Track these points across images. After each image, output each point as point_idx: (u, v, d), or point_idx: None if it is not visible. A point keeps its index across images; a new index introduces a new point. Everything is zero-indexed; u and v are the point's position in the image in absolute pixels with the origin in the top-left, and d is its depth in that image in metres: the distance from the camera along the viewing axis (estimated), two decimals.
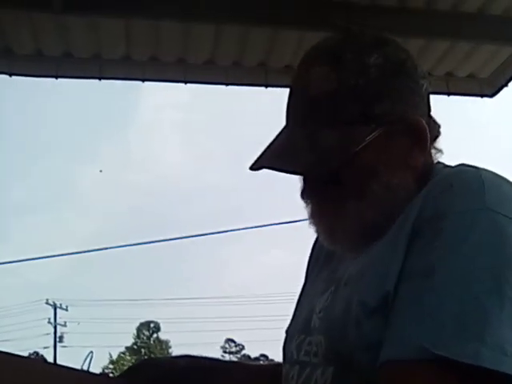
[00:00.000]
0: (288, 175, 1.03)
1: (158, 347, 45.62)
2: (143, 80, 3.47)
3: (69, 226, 66.81)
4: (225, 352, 48.05)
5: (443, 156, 1.11)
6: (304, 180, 1.07)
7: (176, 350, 43.20)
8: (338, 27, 1.11)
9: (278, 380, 1.14)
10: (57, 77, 3.37)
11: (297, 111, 1.07)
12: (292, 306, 1.24)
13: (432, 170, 1.06)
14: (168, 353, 42.15)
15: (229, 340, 49.66)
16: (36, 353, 37.43)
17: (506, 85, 3.66)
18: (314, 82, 1.04)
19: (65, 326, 39.53)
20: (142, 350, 44.98)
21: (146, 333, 47.54)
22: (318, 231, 1.10)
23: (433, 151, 1.09)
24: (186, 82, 3.49)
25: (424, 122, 1.04)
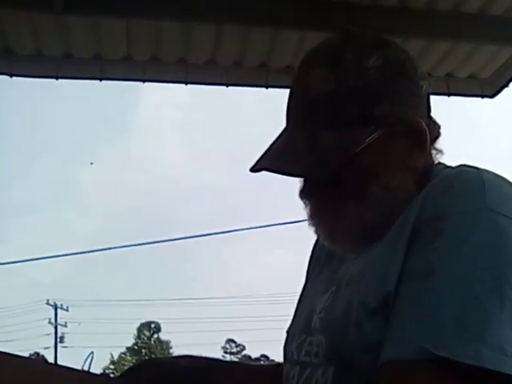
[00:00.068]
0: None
1: (159, 347, 45.64)
2: (144, 80, 3.48)
3: (69, 226, 66.87)
4: (225, 352, 48.04)
5: (444, 156, 1.11)
6: (304, 181, 1.08)
7: (177, 351, 43.22)
8: (339, 28, 1.11)
9: (278, 380, 1.14)
10: (57, 77, 3.37)
11: (297, 113, 1.08)
12: (293, 307, 1.24)
13: (432, 171, 1.06)
14: (169, 353, 42.13)
15: (229, 340, 49.68)
16: (37, 353, 37.43)
17: (506, 85, 3.66)
18: (313, 84, 1.04)
19: (65, 326, 39.54)
20: (143, 351, 45.01)
21: (147, 333, 47.57)
22: (317, 232, 1.10)
23: (433, 152, 1.09)
24: (186, 83, 3.49)
25: (424, 123, 1.05)
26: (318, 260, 1.25)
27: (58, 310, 39.00)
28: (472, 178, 0.94)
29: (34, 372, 1.24)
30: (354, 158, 1.01)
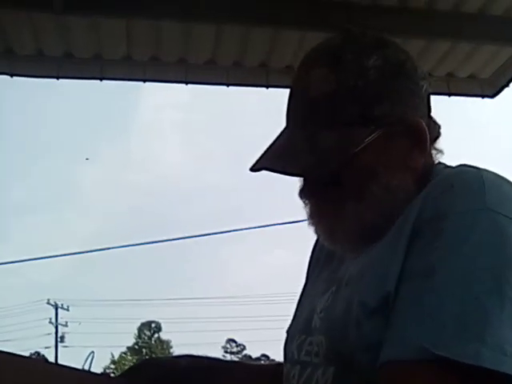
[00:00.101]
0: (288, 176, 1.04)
1: (160, 347, 45.63)
2: (144, 80, 3.48)
3: (69, 225, 66.86)
4: (226, 352, 48.04)
5: (444, 156, 1.11)
6: (304, 180, 1.08)
7: (177, 350, 43.25)
8: (339, 28, 1.11)
9: (279, 380, 1.14)
10: (58, 77, 3.37)
11: (297, 113, 1.08)
12: (293, 307, 1.24)
13: (432, 171, 1.06)
14: (169, 353, 42.13)
15: (230, 340, 49.67)
16: (37, 353, 37.42)
17: (507, 85, 3.66)
18: (313, 84, 1.04)
19: (66, 326, 39.53)
20: (144, 350, 44.99)
21: (148, 333, 47.56)
22: (317, 231, 1.10)
23: (433, 152, 1.09)
24: (186, 83, 3.49)
25: (424, 123, 1.05)
26: (317, 260, 1.25)
27: (59, 310, 39.00)
28: (472, 178, 0.94)
29: (35, 371, 1.24)
30: (353, 158, 1.01)
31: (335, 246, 1.11)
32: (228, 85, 3.51)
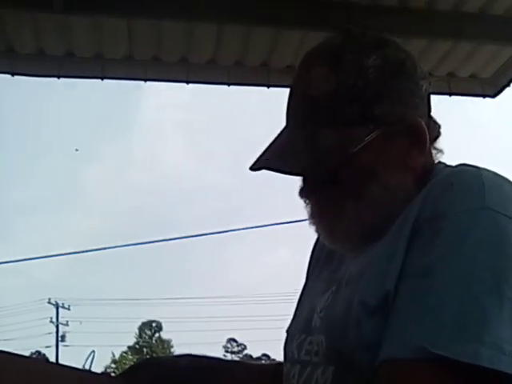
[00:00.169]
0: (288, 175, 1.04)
1: (160, 346, 45.65)
2: (145, 80, 3.48)
3: (71, 225, 66.86)
4: (227, 351, 48.07)
5: (445, 156, 1.11)
6: (304, 180, 1.08)
7: (178, 350, 43.22)
8: (339, 28, 1.11)
9: (279, 379, 1.14)
10: (59, 76, 3.37)
11: (296, 112, 1.08)
12: (293, 306, 1.24)
13: (432, 171, 1.06)
14: (170, 352, 42.09)
15: (231, 340, 49.68)
16: (38, 352, 37.45)
17: (508, 85, 3.66)
18: (313, 83, 1.05)
19: (67, 325, 39.54)
20: (144, 350, 45.01)
21: (148, 332, 47.59)
22: (317, 231, 1.10)
23: (433, 151, 1.09)
24: (188, 82, 3.49)
25: (423, 122, 1.05)
26: (318, 260, 1.25)
27: (60, 309, 39.02)
28: (472, 178, 0.95)
29: (36, 371, 1.24)
30: (352, 157, 1.01)
31: (335, 246, 1.11)
32: (229, 84, 3.51)
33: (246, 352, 48.38)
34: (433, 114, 1.12)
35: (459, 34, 3.30)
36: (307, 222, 1.10)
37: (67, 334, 40.02)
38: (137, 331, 47.11)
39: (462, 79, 3.68)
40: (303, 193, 1.08)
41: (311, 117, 1.05)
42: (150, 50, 3.36)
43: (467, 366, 0.80)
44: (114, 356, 43.25)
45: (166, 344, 46.44)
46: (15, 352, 1.26)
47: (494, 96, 3.73)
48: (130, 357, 43.01)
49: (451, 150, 1.12)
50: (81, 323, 39.43)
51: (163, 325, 46.90)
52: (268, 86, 3.52)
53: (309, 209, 1.09)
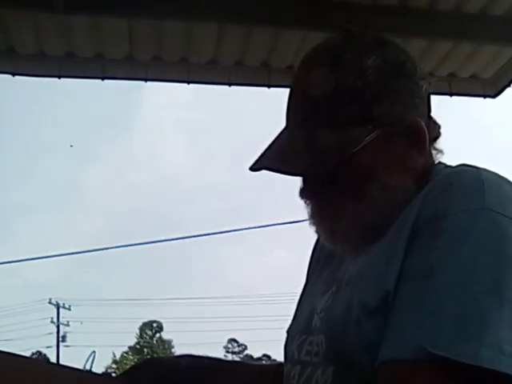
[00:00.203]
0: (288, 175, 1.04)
1: (161, 347, 45.68)
2: (146, 80, 3.48)
3: (71, 225, 66.88)
4: (227, 352, 48.08)
5: (445, 157, 1.11)
6: (304, 180, 1.08)
7: (179, 350, 43.31)
8: (339, 28, 1.11)
9: (280, 380, 1.14)
10: (60, 77, 3.37)
11: (296, 112, 1.08)
12: (294, 307, 1.24)
13: (432, 171, 1.06)
14: (171, 352, 42.19)
15: (231, 340, 49.70)
16: (39, 352, 37.50)
17: (508, 85, 3.66)
18: (313, 84, 1.05)
19: (68, 325, 39.54)
20: (145, 350, 45.03)
21: (149, 332, 47.61)
22: (318, 231, 1.10)
23: (433, 152, 1.09)
24: (188, 82, 3.49)
25: (423, 123, 1.05)
26: (318, 260, 1.25)
27: (61, 309, 39.02)
28: (471, 178, 0.95)
29: (36, 372, 1.24)
30: (352, 158, 1.01)
31: (335, 246, 1.11)
32: (230, 84, 3.51)
33: (246, 352, 48.43)
34: (433, 114, 1.12)
35: (460, 35, 3.29)
36: (307, 222, 1.10)
37: (68, 335, 40.07)
38: (137, 331, 47.18)
39: (463, 79, 3.68)
40: (303, 193, 1.08)
41: (311, 117, 1.05)
42: (150, 50, 3.36)
43: (467, 367, 0.80)
44: (114, 356, 43.34)
45: (166, 344, 46.46)
46: (16, 352, 1.27)
47: (494, 96, 3.73)
48: (131, 357, 43.04)
49: (451, 150, 1.12)
50: (81, 323, 39.48)
51: (164, 325, 46.99)
52: (268, 86, 3.51)
53: (309, 209, 1.09)
